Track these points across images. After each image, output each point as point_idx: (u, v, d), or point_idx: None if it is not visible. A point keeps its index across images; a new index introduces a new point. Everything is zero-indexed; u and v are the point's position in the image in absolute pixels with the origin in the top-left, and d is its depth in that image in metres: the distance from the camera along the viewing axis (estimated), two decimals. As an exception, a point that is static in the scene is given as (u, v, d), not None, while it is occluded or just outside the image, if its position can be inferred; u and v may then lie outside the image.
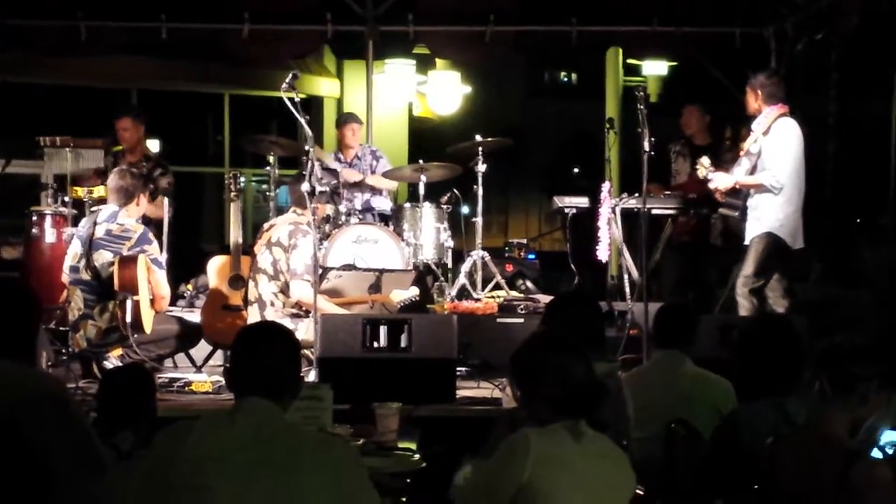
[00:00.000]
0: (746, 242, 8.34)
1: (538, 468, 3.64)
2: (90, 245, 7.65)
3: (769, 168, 8.21)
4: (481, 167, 9.64)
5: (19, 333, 4.29)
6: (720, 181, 8.45)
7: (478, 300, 9.16)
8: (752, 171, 8.31)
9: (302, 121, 7.21)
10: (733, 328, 7.02)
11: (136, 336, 7.46)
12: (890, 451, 3.65)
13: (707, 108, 10.01)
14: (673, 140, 10.13)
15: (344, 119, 10.80)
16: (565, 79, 30.91)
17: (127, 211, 7.79)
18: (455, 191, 9.69)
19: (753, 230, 8.30)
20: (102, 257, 7.62)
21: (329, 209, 8.66)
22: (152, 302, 7.68)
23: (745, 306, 8.23)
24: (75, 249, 7.75)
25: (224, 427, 3.50)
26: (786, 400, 4.41)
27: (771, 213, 8.23)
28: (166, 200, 8.76)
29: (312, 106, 14.16)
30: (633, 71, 16.06)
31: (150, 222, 8.40)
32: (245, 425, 3.49)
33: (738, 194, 8.46)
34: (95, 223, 7.71)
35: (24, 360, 4.30)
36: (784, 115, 8.31)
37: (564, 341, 3.99)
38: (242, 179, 9.04)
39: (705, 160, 8.55)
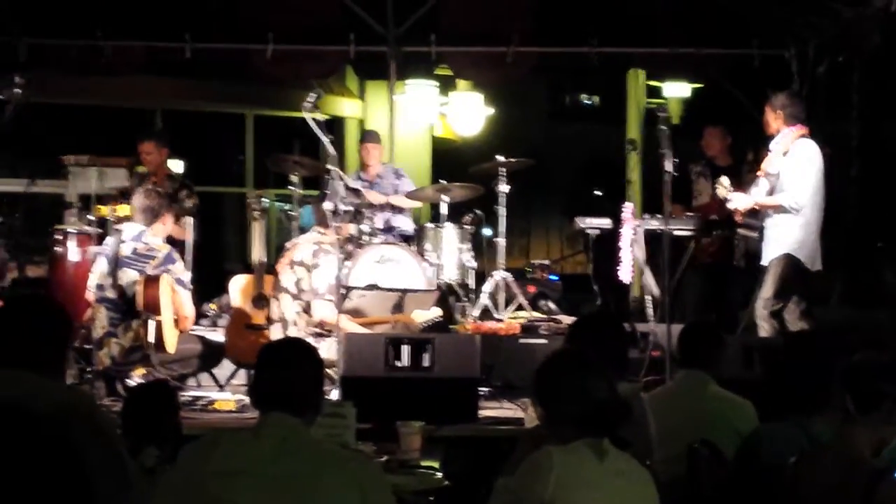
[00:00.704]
0: (764, 263, 8.32)
1: (561, 486, 3.61)
2: (116, 263, 7.68)
3: (788, 189, 8.19)
4: (503, 188, 9.66)
5: (50, 348, 4.29)
6: (739, 202, 8.43)
7: (500, 321, 9.16)
8: (772, 191, 8.29)
9: (325, 140, 7.25)
10: (756, 350, 7.00)
11: (158, 356, 7.49)
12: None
13: (729, 129, 9.98)
14: (694, 161, 10.11)
15: (361, 138, 10.92)
16: (587, 101, 30.90)
17: (153, 230, 7.83)
18: (477, 211, 9.70)
19: (771, 251, 8.28)
20: (128, 276, 7.65)
21: (352, 228, 8.68)
22: (176, 322, 7.70)
23: (765, 328, 8.20)
24: (101, 268, 7.78)
25: (249, 442, 3.53)
26: (810, 420, 4.40)
27: (789, 235, 8.21)
28: (191, 221, 8.77)
29: (335, 127, 14.19)
30: (655, 93, 16.04)
31: (175, 242, 8.43)
32: (270, 440, 3.51)
33: (758, 215, 8.44)
34: (121, 241, 7.75)
35: (53, 376, 4.31)
36: (804, 136, 8.29)
37: (586, 359, 3.97)
38: (266, 200, 9.06)
39: (724, 180, 8.51)
